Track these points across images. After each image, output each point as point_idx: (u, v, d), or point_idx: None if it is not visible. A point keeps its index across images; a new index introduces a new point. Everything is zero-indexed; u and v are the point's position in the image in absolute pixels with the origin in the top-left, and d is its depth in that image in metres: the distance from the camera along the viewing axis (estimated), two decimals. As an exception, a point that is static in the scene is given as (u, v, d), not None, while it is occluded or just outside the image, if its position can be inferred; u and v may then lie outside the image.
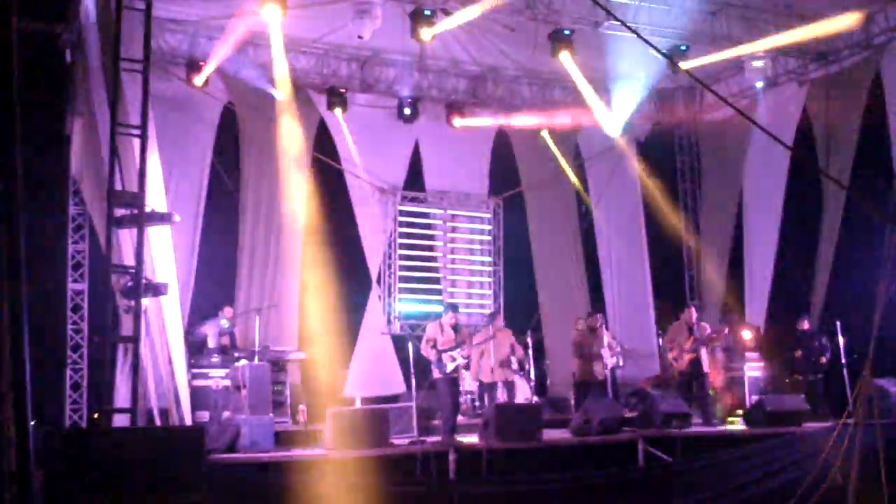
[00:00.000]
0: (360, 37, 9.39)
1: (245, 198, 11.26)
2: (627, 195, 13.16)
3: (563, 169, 12.85)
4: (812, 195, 11.24)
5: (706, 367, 9.78)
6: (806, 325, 10.71)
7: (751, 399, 10.45)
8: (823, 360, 10.35)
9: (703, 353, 9.75)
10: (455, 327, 8.71)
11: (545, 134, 12.67)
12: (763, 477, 8.06)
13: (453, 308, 9.12)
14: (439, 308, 10.95)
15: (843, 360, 9.77)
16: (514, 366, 9.60)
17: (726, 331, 10.81)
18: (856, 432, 7.69)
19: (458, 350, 8.54)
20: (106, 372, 6.70)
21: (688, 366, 9.74)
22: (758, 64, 10.74)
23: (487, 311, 12.52)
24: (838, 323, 9.97)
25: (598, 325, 10.23)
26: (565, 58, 10.28)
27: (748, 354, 10.93)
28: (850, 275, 10.27)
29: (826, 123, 11.15)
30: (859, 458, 7.04)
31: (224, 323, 9.80)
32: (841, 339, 9.93)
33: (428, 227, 12.83)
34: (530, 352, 10.53)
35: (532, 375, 10.85)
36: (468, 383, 10.59)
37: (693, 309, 10.20)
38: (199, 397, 8.75)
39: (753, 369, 10.83)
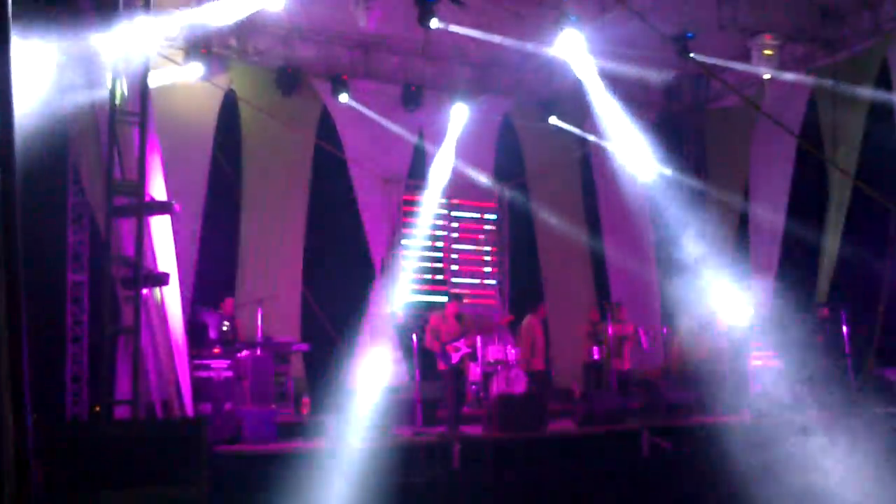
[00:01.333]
0: (365, 25, 9.26)
1: (247, 186, 11.17)
2: (633, 183, 13.06)
3: (567, 157, 12.75)
4: (818, 184, 11.16)
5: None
6: (826, 312, 10.66)
7: (754, 389, 10.40)
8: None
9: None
10: (459, 317, 8.66)
11: (555, 119, 12.51)
12: (767, 465, 8.02)
13: (456, 298, 9.08)
14: (444, 298, 10.90)
15: (848, 350, 9.74)
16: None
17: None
18: (860, 421, 7.67)
19: (462, 340, 8.50)
20: (106, 363, 6.65)
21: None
22: (765, 51, 10.62)
23: (492, 301, 12.51)
24: (843, 312, 9.93)
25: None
26: (571, 44, 10.15)
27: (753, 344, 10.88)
28: (855, 264, 10.20)
29: (833, 112, 11.05)
30: (863, 446, 7.01)
31: (225, 325, 9.73)
32: (845, 328, 9.88)
33: (432, 216, 12.75)
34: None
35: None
36: (473, 373, 10.57)
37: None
38: (201, 389, 8.69)
39: (757, 359, 10.78)
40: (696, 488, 7.87)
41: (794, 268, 11.38)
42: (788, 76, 11.34)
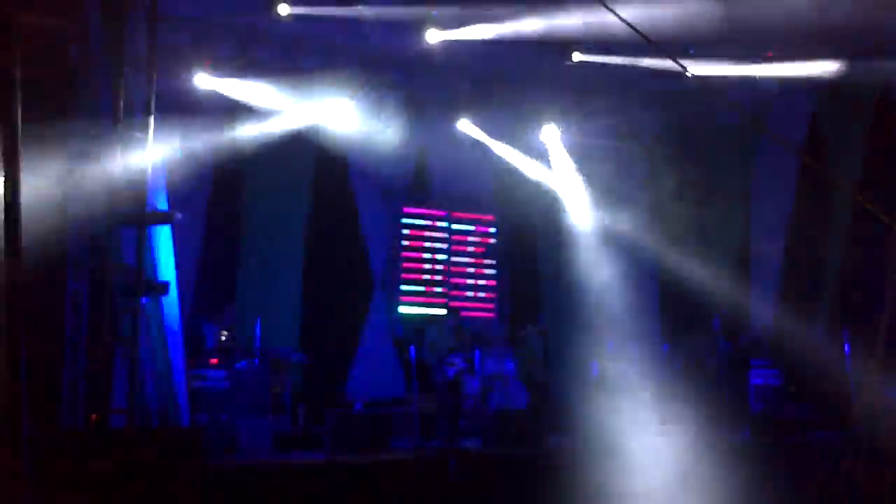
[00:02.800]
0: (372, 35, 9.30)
1: (248, 197, 11.19)
2: (632, 195, 13.07)
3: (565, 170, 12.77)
4: (821, 199, 11.16)
5: None
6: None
7: (757, 406, 10.37)
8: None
9: None
10: (456, 329, 8.66)
11: (548, 134, 12.57)
12: (769, 483, 7.98)
13: (455, 312, 9.09)
14: (442, 311, 10.91)
15: (850, 368, 9.71)
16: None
17: None
18: (863, 439, 7.64)
19: (459, 355, 8.52)
20: (104, 372, 6.64)
21: None
22: (768, 67, 10.66)
23: (491, 314, 12.50)
24: (846, 328, 9.90)
25: None
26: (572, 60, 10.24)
27: (753, 361, 10.84)
28: (859, 280, 10.17)
29: (836, 127, 11.08)
30: (866, 464, 6.98)
31: (223, 334, 9.72)
32: (848, 344, 9.85)
33: (432, 229, 12.76)
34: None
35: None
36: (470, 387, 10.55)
37: None
38: (198, 399, 8.66)
39: (759, 376, 10.74)
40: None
41: (798, 282, 11.36)
42: (791, 91, 11.41)
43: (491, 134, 12.22)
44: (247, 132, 11.22)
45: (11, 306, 3.46)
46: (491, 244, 13.13)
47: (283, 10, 9.06)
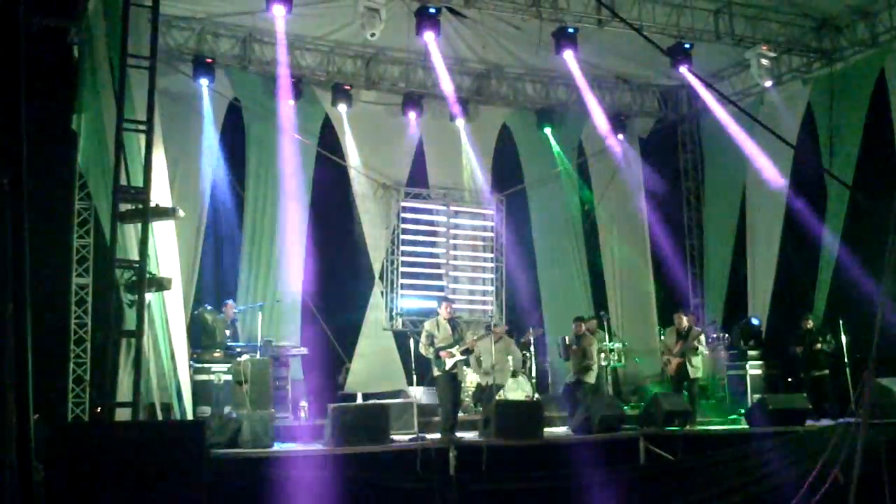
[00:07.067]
0: (372, 34, 9.34)
1: (249, 193, 11.29)
2: (630, 192, 13.15)
3: (565, 167, 12.87)
4: (816, 193, 11.21)
5: (695, 373, 9.87)
6: (810, 324, 10.68)
7: (752, 397, 10.44)
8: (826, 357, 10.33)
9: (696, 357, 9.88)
10: (452, 321, 8.68)
11: (548, 131, 12.71)
12: (764, 476, 8.05)
13: (446, 300, 9.08)
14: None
15: (846, 359, 9.77)
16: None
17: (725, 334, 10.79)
18: (858, 431, 7.69)
19: (456, 346, 8.54)
20: (109, 366, 6.73)
21: (676, 370, 9.86)
22: (763, 62, 10.71)
23: (489, 308, 12.57)
24: (841, 321, 9.96)
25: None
26: (569, 56, 10.29)
27: (750, 353, 10.91)
28: (853, 272, 10.22)
29: (830, 122, 11.13)
30: (861, 456, 7.04)
31: (226, 328, 9.81)
32: (844, 338, 9.91)
33: (431, 223, 12.82)
34: (532, 349, 10.56)
35: (534, 373, 10.88)
36: (469, 380, 10.62)
37: (683, 316, 10.22)
38: (201, 392, 8.76)
39: (755, 368, 10.82)
40: (693, 497, 7.91)
41: (793, 276, 11.41)
42: (786, 86, 11.45)
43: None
44: (248, 127, 11.36)
45: (18, 303, 3.54)
46: None
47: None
